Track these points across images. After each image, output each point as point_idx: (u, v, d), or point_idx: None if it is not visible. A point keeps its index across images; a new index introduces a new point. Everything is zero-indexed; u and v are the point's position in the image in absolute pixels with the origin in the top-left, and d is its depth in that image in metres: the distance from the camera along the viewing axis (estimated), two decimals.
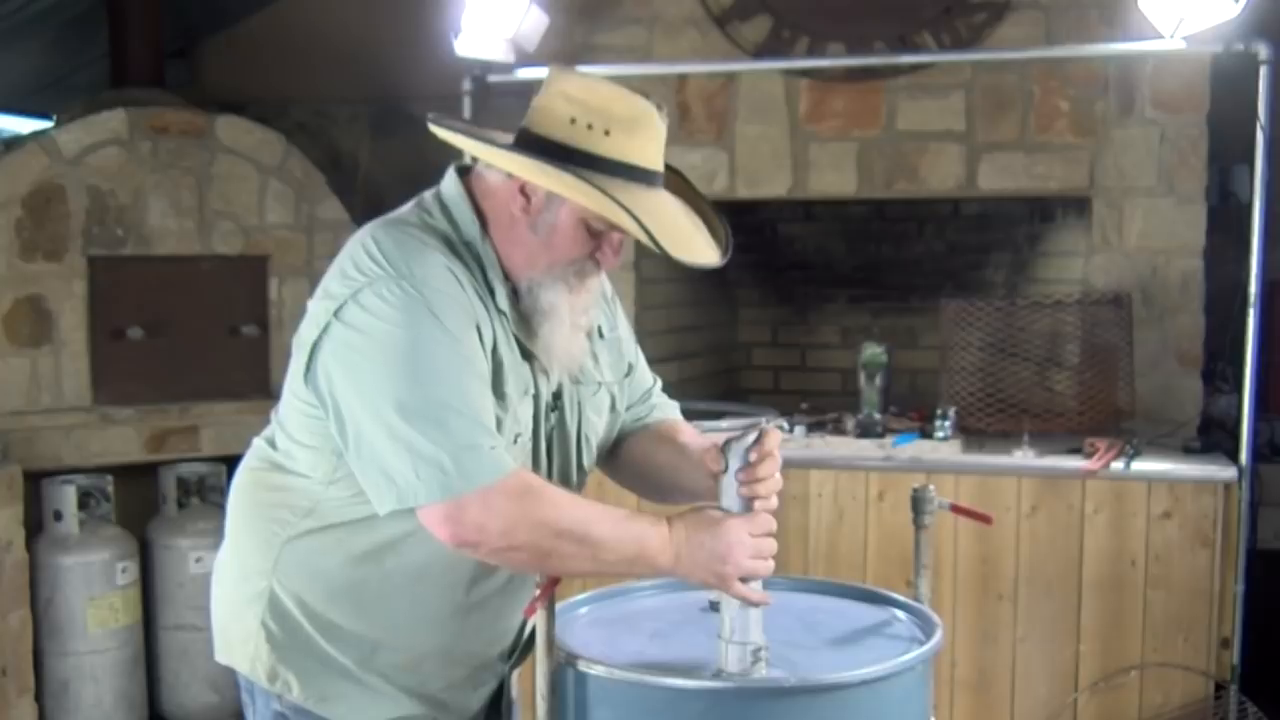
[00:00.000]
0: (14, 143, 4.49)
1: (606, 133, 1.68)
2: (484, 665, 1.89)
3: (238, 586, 1.88)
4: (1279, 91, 3.34)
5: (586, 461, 1.94)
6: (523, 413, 1.77)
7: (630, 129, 1.69)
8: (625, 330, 2.03)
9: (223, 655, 1.91)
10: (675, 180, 1.83)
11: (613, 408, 1.98)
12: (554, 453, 1.86)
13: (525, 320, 1.77)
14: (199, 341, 4.33)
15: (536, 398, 1.80)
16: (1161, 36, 3.30)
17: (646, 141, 1.72)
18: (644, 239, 1.64)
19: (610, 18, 4.23)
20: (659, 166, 1.75)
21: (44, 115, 5.26)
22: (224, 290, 4.37)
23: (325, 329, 1.69)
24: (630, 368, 2.02)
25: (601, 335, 1.96)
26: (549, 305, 1.76)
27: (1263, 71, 3.31)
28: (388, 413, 1.62)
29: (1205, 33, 3.26)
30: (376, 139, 5.06)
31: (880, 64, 4.00)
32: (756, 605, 1.66)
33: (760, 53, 4.13)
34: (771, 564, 1.68)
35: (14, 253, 3.99)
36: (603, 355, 1.95)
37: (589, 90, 1.71)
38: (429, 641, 1.82)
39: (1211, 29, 3.23)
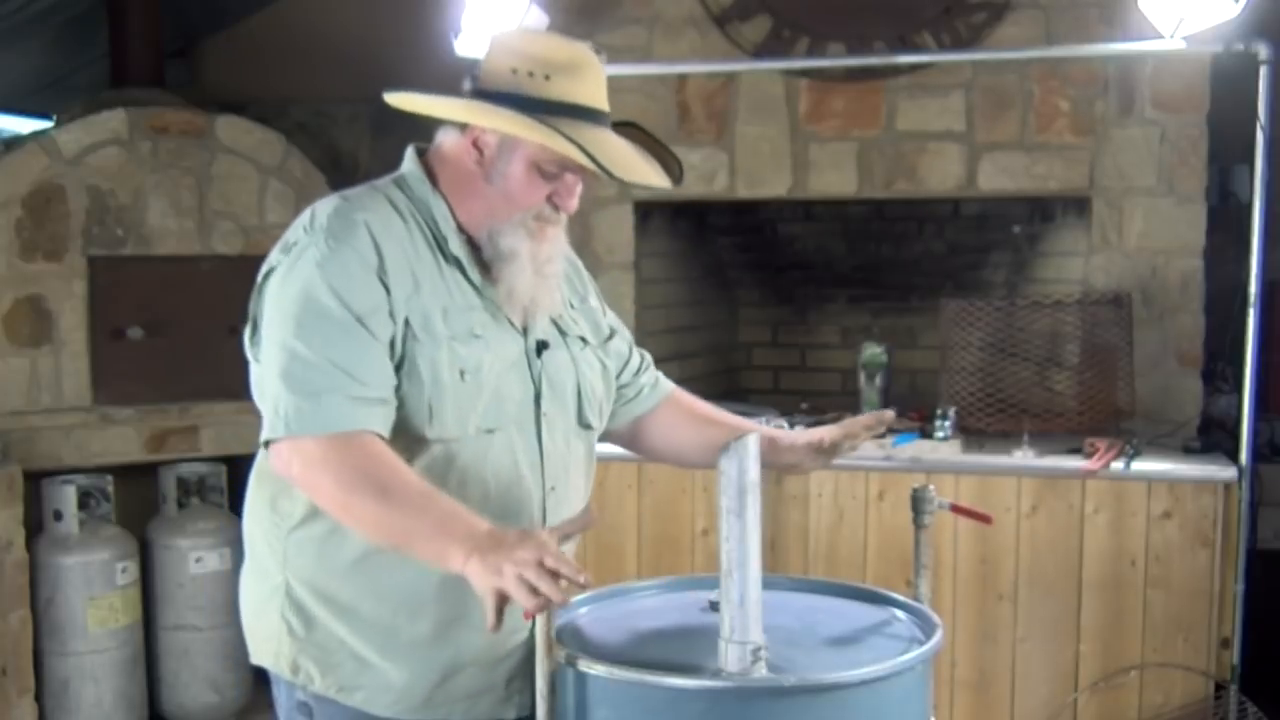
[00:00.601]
0: (14, 143, 4.49)
1: (547, 78, 1.78)
2: (509, 630, 1.84)
3: (258, 585, 1.92)
4: (1279, 91, 3.34)
5: (593, 417, 1.98)
6: (469, 353, 1.80)
7: (570, 72, 1.79)
8: (597, 301, 2.11)
9: (254, 656, 1.93)
10: (633, 131, 1.91)
11: (604, 370, 2.03)
12: (544, 400, 1.89)
13: (490, 270, 1.85)
14: (199, 341, 4.33)
15: (506, 343, 1.85)
16: (1161, 36, 3.30)
17: (587, 83, 1.81)
18: (588, 164, 1.74)
19: (610, 18, 4.23)
20: (602, 105, 1.83)
21: (44, 115, 5.26)
22: (224, 290, 4.35)
23: (261, 292, 1.82)
24: (612, 332, 2.10)
25: (573, 305, 2.03)
26: (509, 250, 1.83)
27: (1263, 71, 3.31)
28: (267, 360, 1.76)
29: (1205, 33, 3.26)
30: (376, 139, 5.05)
31: (880, 64, 4.00)
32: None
33: (760, 53, 4.13)
34: (531, 596, 1.53)
35: (14, 253, 3.99)
36: (581, 321, 2.03)
37: (527, 41, 1.85)
38: (447, 605, 1.81)
39: (1211, 29, 3.23)
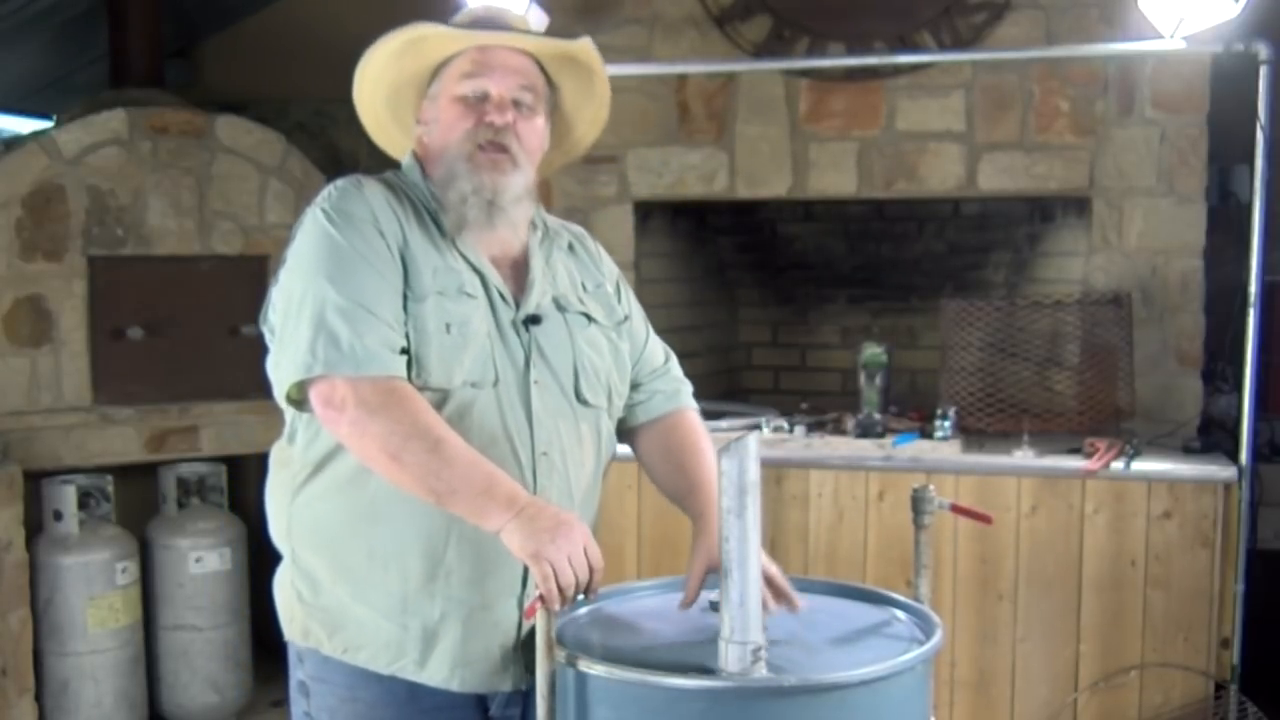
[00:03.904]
0: (14, 143, 4.49)
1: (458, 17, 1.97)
2: (502, 584, 1.88)
3: (281, 564, 1.98)
4: (1279, 91, 3.34)
5: (590, 394, 1.98)
6: (456, 308, 1.85)
7: (471, 14, 1.96)
8: (611, 286, 2.12)
9: (284, 632, 1.99)
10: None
11: (614, 350, 2.04)
12: (534, 368, 1.91)
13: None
14: (199, 341, 4.33)
15: (493, 306, 1.89)
16: (1161, 36, 3.31)
17: (487, 17, 1.95)
18: (461, 37, 1.89)
19: (610, 18, 4.23)
20: (502, 25, 1.93)
21: (44, 115, 5.26)
22: (224, 290, 4.36)
23: (279, 268, 1.91)
24: (626, 319, 2.11)
25: (586, 289, 2.06)
26: (447, 176, 1.89)
27: (1263, 71, 3.31)
28: (291, 309, 1.82)
29: (1205, 33, 3.26)
30: None
31: (880, 64, 4.00)
32: (546, 602, 1.66)
33: (760, 53, 4.13)
34: (573, 578, 1.68)
35: (14, 253, 3.99)
36: (589, 302, 2.04)
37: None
38: (428, 556, 1.84)
39: (1211, 29, 3.23)
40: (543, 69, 1.97)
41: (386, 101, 2.01)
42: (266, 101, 5.02)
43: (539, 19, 3.69)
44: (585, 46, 1.97)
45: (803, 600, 1.93)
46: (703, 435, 2.12)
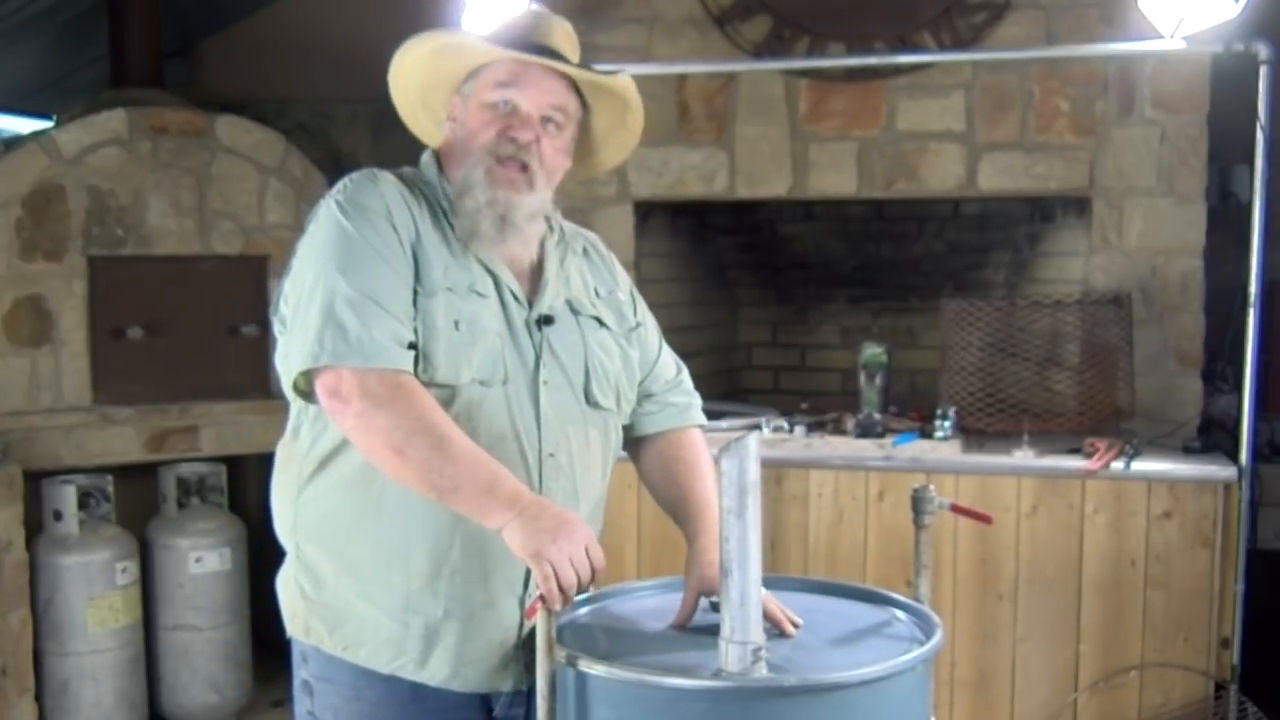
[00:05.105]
0: (14, 143, 4.48)
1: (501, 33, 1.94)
2: (505, 583, 1.88)
3: (286, 560, 1.98)
4: (1279, 91, 3.35)
5: (601, 396, 1.98)
6: (465, 305, 1.85)
7: (521, 24, 1.94)
8: (625, 294, 2.13)
9: (287, 629, 1.99)
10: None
11: (624, 356, 2.04)
12: (544, 367, 1.91)
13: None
14: (199, 341, 4.33)
15: (505, 306, 1.89)
16: (1161, 36, 3.31)
17: (536, 29, 1.93)
18: (502, 54, 1.87)
19: (610, 18, 4.23)
20: (550, 44, 1.91)
21: (44, 115, 5.26)
22: (224, 290, 4.36)
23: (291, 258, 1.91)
24: (639, 326, 2.12)
25: (599, 294, 2.06)
26: (464, 183, 1.89)
27: (1263, 71, 3.31)
28: (301, 299, 1.81)
29: (1205, 33, 3.26)
30: (376, 139, 5.06)
31: (880, 64, 4.00)
32: (546, 602, 1.66)
33: (760, 53, 4.13)
34: (574, 578, 1.68)
35: (14, 253, 3.99)
36: (601, 307, 2.05)
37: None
38: (433, 555, 1.84)
39: (1211, 29, 3.23)
40: (578, 88, 1.95)
41: (419, 92, 2.00)
42: (266, 101, 5.02)
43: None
44: (622, 84, 1.96)
45: (805, 599, 1.94)
46: (706, 457, 2.11)
